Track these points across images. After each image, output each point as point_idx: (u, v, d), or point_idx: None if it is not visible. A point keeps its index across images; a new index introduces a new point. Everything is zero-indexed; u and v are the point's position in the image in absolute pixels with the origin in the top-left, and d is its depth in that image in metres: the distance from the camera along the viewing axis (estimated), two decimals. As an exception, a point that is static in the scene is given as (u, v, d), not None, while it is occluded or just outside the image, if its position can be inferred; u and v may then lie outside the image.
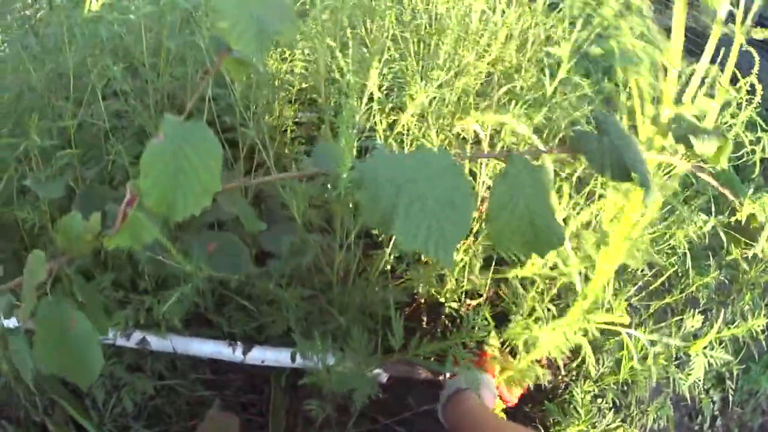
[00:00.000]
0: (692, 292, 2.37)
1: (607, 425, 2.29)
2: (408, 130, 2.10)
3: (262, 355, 2.07)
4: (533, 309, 2.15)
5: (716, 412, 3.46)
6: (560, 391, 2.49)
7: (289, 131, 2.35)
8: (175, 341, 2.00)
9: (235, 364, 2.13)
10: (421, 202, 1.00)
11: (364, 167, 1.03)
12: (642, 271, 2.34)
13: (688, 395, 2.46)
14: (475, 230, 2.22)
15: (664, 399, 2.51)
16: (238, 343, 2.07)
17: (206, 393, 2.25)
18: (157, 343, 1.98)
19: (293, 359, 2.05)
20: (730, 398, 3.53)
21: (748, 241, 2.15)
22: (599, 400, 2.34)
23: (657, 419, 2.49)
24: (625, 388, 2.41)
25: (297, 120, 2.44)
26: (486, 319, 2.10)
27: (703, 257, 2.46)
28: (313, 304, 2.14)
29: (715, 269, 2.37)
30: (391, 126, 2.15)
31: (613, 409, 2.37)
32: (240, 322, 2.15)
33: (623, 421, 2.44)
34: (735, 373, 3.34)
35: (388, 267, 2.24)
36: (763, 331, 2.41)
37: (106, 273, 1.93)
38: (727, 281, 2.57)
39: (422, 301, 2.41)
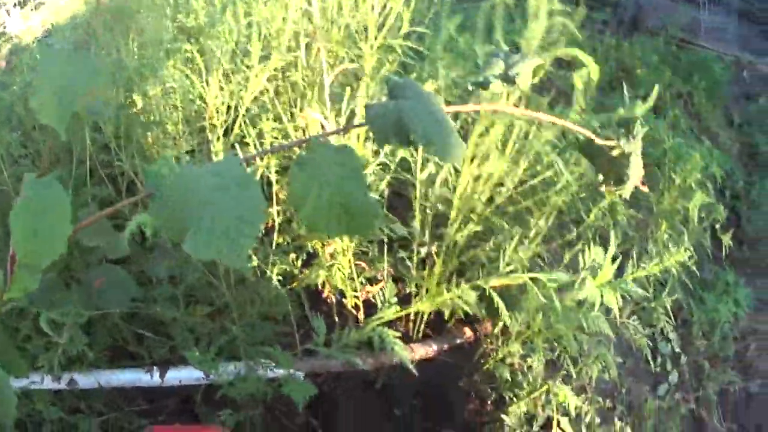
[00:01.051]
0: (596, 232, 2.26)
1: (541, 382, 2.21)
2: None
3: (177, 375, 2.07)
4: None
5: (677, 350, 3.36)
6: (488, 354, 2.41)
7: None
8: (99, 376, 2.00)
9: (168, 389, 2.13)
10: (213, 215, 1.00)
11: (161, 185, 1.04)
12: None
13: (632, 340, 2.37)
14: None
15: (605, 347, 2.40)
16: (154, 367, 2.06)
17: (144, 422, 2.21)
18: (83, 380, 1.98)
19: (206, 376, 2.03)
20: (694, 332, 3.45)
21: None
22: (528, 359, 2.25)
23: (605, 370, 2.38)
24: (555, 343, 2.31)
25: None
26: (389, 300, 2.03)
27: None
28: (214, 320, 2.13)
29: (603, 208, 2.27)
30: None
31: (549, 366, 2.30)
32: (156, 347, 2.14)
33: (566, 378, 2.36)
34: (687, 306, 3.27)
35: (286, 268, 2.18)
36: (691, 257, 2.33)
37: (25, 321, 1.92)
38: (641, 216, 2.48)
39: (326, 296, 2.33)
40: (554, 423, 2.17)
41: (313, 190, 1.07)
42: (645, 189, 1.50)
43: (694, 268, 2.48)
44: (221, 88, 2.15)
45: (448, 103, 1.94)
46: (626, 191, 1.47)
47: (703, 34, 5.77)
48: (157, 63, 2.13)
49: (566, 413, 2.21)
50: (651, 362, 3.18)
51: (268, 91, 2.23)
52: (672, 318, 3.16)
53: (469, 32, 2.19)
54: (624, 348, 2.87)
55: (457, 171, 2.05)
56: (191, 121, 2.25)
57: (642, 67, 4.69)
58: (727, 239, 2.50)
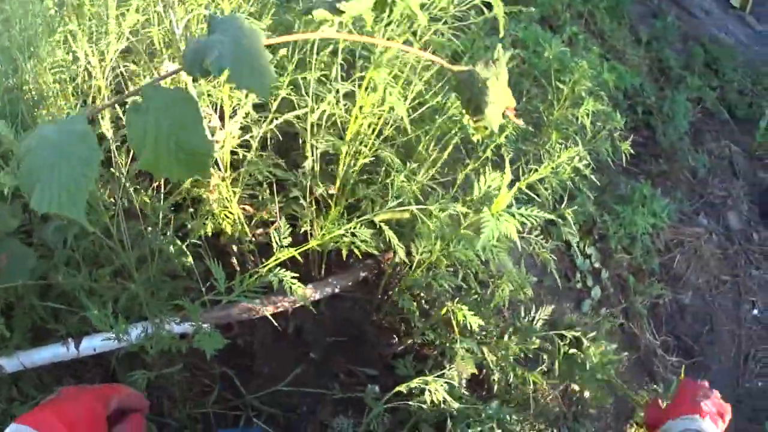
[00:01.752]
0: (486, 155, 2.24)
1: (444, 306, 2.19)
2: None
3: (91, 344, 2.03)
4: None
5: (596, 265, 3.38)
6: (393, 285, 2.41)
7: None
8: (22, 357, 1.97)
9: (92, 361, 2.16)
10: (54, 170, 1.04)
11: (22, 146, 1.08)
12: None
13: (537, 257, 2.35)
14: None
15: (516, 268, 2.39)
16: (69, 339, 2.02)
17: None
18: (8, 364, 1.96)
19: (119, 339, 1.97)
20: (612, 246, 3.47)
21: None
22: (433, 286, 2.23)
23: (518, 289, 2.37)
24: (460, 267, 2.29)
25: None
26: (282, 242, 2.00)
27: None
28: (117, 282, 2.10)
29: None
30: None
31: (458, 292, 2.28)
32: (70, 321, 2.08)
33: (478, 302, 2.35)
34: (601, 221, 3.29)
35: (182, 222, 2.17)
36: (588, 166, 2.31)
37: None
38: (531, 128, 2.46)
39: (224, 244, 2.30)
40: (457, 344, 2.16)
41: (150, 135, 1.10)
42: (517, 120, 1.45)
43: (595, 179, 2.47)
44: (91, 53, 2.09)
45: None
46: (489, 121, 1.40)
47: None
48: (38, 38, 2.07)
49: (470, 333, 2.20)
50: (570, 279, 3.20)
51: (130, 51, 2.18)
52: (585, 233, 3.19)
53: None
54: (540, 268, 2.87)
55: (347, 109, 2.03)
56: (72, 93, 2.20)
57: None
58: (626, 146, 2.47)
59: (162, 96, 1.12)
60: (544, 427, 2.41)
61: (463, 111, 1.51)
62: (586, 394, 2.47)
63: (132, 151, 1.99)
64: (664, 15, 5.45)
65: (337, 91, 2.05)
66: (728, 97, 5.54)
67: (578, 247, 3.31)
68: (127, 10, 2.08)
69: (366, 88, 1.96)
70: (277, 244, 1.97)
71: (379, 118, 2.08)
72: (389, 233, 1.97)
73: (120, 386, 1.58)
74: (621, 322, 3.47)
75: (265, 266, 1.99)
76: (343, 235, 2.02)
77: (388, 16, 1.88)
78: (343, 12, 1.35)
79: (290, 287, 1.96)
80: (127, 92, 1.57)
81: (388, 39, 1.90)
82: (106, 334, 1.96)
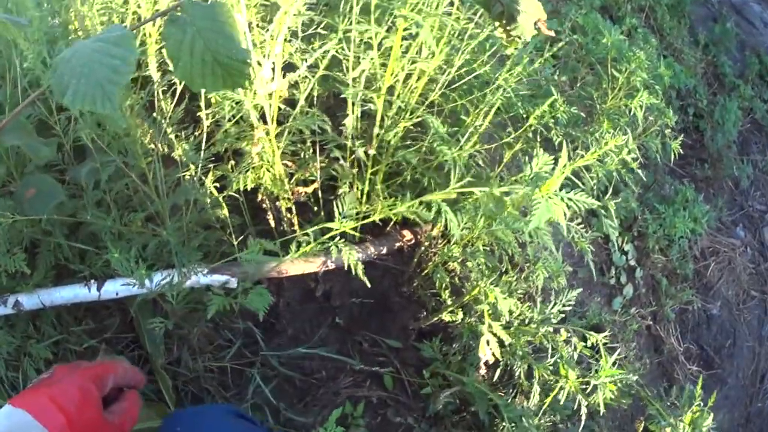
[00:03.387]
0: (542, 132, 2.19)
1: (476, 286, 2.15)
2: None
3: (114, 288, 2.00)
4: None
5: (632, 263, 3.33)
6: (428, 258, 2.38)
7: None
8: (42, 296, 1.96)
9: (114, 306, 2.17)
10: (90, 70, 1.05)
11: (57, 58, 1.08)
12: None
13: (575, 247, 2.31)
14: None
15: (552, 255, 2.35)
16: (92, 281, 2.00)
17: (92, 342, 2.17)
18: (28, 301, 1.95)
19: (141, 285, 1.96)
20: (650, 245, 3.42)
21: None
22: (468, 264, 2.20)
23: (553, 277, 2.33)
24: (497, 248, 2.26)
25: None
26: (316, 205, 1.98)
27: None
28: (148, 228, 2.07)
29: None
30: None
31: (493, 273, 2.24)
32: (95, 262, 2.07)
33: (511, 285, 2.31)
34: (637, 217, 3.23)
35: (222, 174, 2.15)
36: (636, 160, 2.26)
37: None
38: (583, 115, 2.41)
39: (260, 200, 2.28)
40: (485, 326, 2.12)
41: (185, 46, 1.12)
42: (547, 31, 1.45)
43: (642, 174, 2.43)
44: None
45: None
46: (521, 29, 1.42)
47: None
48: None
49: (498, 317, 2.16)
50: (605, 273, 3.16)
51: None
52: (625, 229, 3.14)
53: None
54: (576, 259, 2.83)
55: (384, 67, 1.98)
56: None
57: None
58: (676, 146, 2.42)
59: (199, 8, 1.14)
60: (558, 420, 2.39)
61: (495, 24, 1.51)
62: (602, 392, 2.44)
63: (177, 95, 1.99)
64: (724, 20, 5.35)
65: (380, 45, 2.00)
66: (779, 111, 5.44)
67: (617, 242, 3.26)
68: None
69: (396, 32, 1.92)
70: (340, 213, 1.93)
71: (418, 78, 2.03)
72: (445, 210, 1.92)
73: (115, 364, 1.57)
74: (648, 324, 3.43)
75: (304, 229, 1.96)
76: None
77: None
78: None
79: (335, 249, 1.94)
80: (167, 7, 1.57)
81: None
82: (128, 279, 1.96)
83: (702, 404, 2.39)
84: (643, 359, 3.16)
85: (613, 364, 2.13)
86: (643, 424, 2.69)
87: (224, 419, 1.61)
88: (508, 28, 1.48)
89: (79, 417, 1.26)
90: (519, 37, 1.50)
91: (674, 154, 2.49)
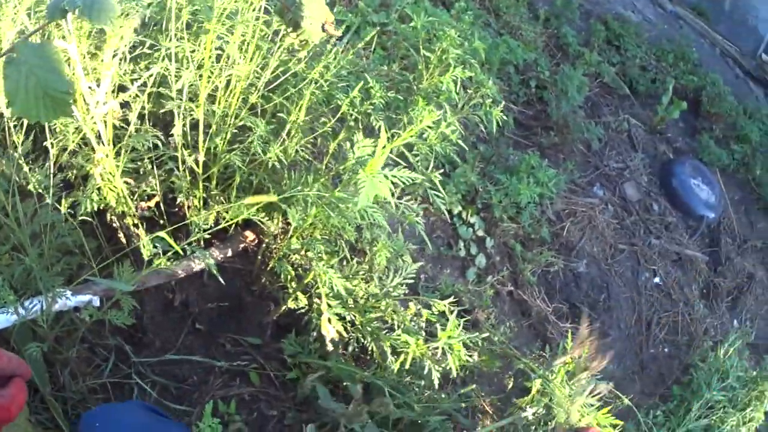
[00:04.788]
0: (362, 120, 2.30)
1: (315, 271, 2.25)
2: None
3: None
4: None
5: (479, 233, 3.46)
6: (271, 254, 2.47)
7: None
8: None
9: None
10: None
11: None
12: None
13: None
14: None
15: (394, 236, 2.45)
16: None
17: None
18: None
19: (16, 312, 1.99)
20: (497, 214, 3.53)
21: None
22: (309, 253, 2.29)
23: (397, 256, 2.44)
24: (334, 234, 2.36)
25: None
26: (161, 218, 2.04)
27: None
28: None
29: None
30: None
31: (334, 258, 2.34)
32: None
33: (351, 269, 2.40)
34: (479, 190, 3.35)
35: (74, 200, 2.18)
36: (454, 132, 2.35)
37: None
38: (401, 97, 2.52)
39: (109, 220, 2.35)
40: (323, 305, 2.22)
41: (21, 84, 1.29)
42: (334, 32, 1.56)
43: (480, 149, 2.53)
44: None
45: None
46: (308, 34, 1.53)
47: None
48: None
49: (339, 297, 2.25)
50: (452, 247, 3.27)
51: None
52: (468, 203, 3.25)
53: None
54: (420, 237, 2.95)
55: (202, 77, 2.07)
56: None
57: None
58: (497, 113, 2.51)
59: (31, 48, 1.31)
60: (428, 386, 2.46)
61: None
62: (475, 357, 2.54)
63: (24, 128, 2.03)
64: (564, -7, 5.55)
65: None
66: (629, 73, 5.71)
67: (460, 216, 3.38)
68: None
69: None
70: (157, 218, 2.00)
71: (236, 84, 2.14)
72: (286, 208, 2.03)
73: (1, 353, 1.61)
74: (510, 290, 3.56)
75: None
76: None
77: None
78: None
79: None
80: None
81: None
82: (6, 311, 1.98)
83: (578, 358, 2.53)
84: (507, 323, 3.26)
85: (468, 329, 2.24)
86: (512, 380, 2.81)
87: (138, 412, 1.69)
88: (295, 33, 1.59)
89: None
90: (306, 41, 1.60)
91: (510, 123, 2.61)
